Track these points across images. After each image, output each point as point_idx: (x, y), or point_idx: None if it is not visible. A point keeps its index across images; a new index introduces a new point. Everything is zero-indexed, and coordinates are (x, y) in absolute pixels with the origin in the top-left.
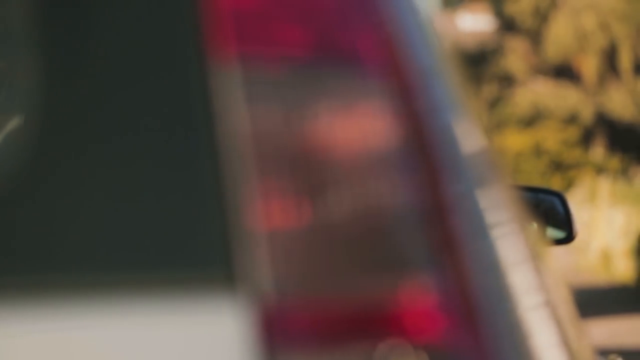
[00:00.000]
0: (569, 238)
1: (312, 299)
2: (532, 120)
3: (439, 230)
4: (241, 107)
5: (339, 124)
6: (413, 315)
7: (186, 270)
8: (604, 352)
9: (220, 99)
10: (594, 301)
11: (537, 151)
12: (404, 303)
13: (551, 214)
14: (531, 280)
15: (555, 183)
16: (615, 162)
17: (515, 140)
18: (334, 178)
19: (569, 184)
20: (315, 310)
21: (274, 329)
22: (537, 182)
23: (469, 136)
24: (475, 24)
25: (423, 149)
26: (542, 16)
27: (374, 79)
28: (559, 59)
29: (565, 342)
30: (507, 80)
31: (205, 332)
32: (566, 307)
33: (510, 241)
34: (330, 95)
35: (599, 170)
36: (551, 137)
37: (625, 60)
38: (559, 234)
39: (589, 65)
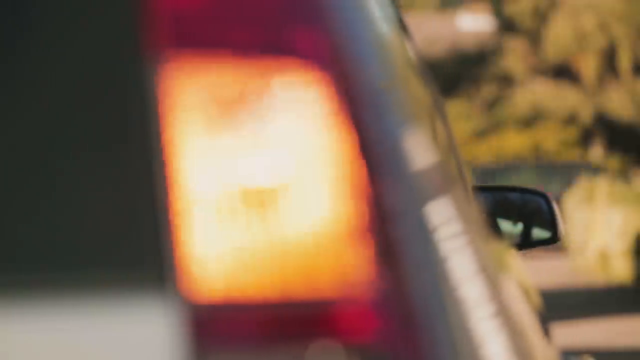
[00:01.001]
0: (554, 238)
1: (243, 300)
2: (531, 120)
3: (378, 235)
4: (177, 108)
5: (279, 125)
6: (346, 316)
7: (117, 271)
8: (577, 353)
9: (157, 100)
10: (592, 302)
11: (536, 151)
12: (337, 305)
13: (537, 214)
14: (480, 291)
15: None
16: (614, 162)
17: (515, 141)
18: (270, 181)
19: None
20: (247, 311)
21: (204, 329)
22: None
23: (417, 147)
24: (474, 24)
25: (365, 153)
26: (542, 16)
27: (317, 81)
28: (558, 59)
29: (520, 352)
30: (507, 81)
31: (134, 332)
32: (527, 317)
33: (459, 252)
34: (271, 97)
35: (596, 170)
36: (550, 138)
37: (624, 61)
38: (545, 235)
39: (589, 66)
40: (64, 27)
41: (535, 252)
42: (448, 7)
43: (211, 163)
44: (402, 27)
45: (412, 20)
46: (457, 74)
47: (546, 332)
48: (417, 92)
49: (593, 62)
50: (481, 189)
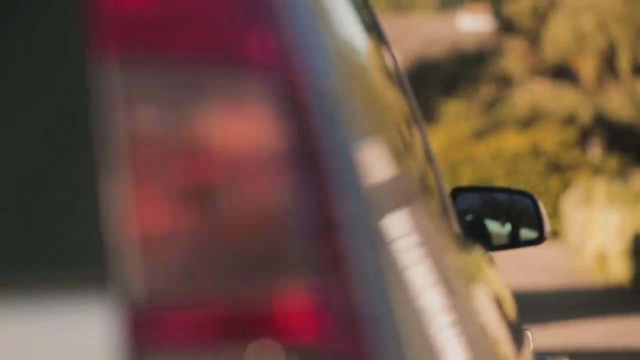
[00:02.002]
0: (540, 238)
1: (184, 300)
2: (530, 121)
3: (323, 238)
4: (122, 109)
5: (224, 126)
6: (286, 317)
7: (58, 270)
8: (554, 354)
9: (101, 101)
10: (589, 302)
11: (535, 152)
12: (279, 305)
13: (525, 215)
14: (438, 300)
15: (553, 184)
16: (612, 163)
17: (513, 141)
18: (215, 181)
19: (567, 185)
20: (188, 311)
21: (143, 329)
22: (534, 183)
23: (372, 157)
24: (474, 24)
25: (311, 156)
26: (541, 17)
27: (262, 82)
28: (557, 60)
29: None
30: (505, 81)
31: (75, 331)
32: (495, 325)
33: (414, 262)
34: (216, 98)
35: (596, 171)
36: (549, 138)
37: (623, 61)
38: (533, 235)
39: (588, 66)
40: (8, 27)
41: (534, 252)
42: (448, 8)
43: (154, 162)
44: (377, 35)
45: (412, 20)
46: (456, 74)
47: (519, 339)
48: (387, 100)
49: (592, 62)
50: (469, 190)
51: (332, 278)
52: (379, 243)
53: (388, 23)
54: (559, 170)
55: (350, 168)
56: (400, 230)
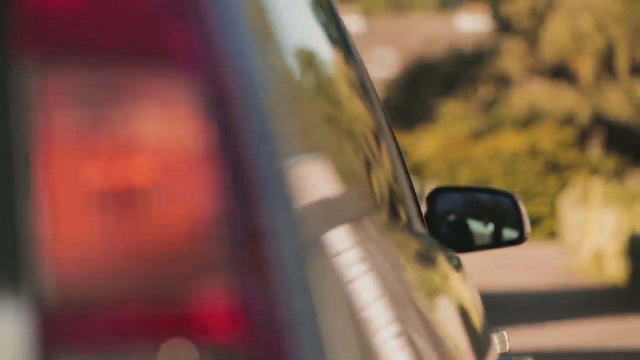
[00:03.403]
0: (521, 239)
1: (97, 302)
2: (528, 121)
3: (244, 242)
4: (41, 110)
5: (146, 127)
6: (204, 318)
7: None
8: (519, 355)
9: (20, 101)
10: (585, 302)
11: (534, 152)
12: (196, 306)
13: (508, 215)
14: (380, 312)
15: (551, 184)
16: (611, 163)
17: (512, 141)
18: (135, 183)
19: (565, 185)
20: (102, 312)
21: (55, 331)
22: (533, 183)
23: (310, 166)
24: (473, 24)
25: (234, 156)
26: (539, 17)
27: (186, 82)
28: (555, 60)
29: None
30: (504, 81)
31: None
32: (447, 336)
33: (353, 275)
34: (138, 98)
35: (594, 171)
36: (547, 138)
37: (622, 62)
38: (515, 235)
39: (586, 67)
40: None
41: (533, 252)
42: (447, 8)
43: (71, 163)
44: (341, 45)
45: (411, 20)
46: (454, 74)
47: (484, 345)
48: (343, 111)
49: (590, 62)
50: (450, 190)
51: (253, 282)
52: (305, 252)
53: (387, 23)
54: (558, 170)
55: (278, 174)
56: (335, 241)
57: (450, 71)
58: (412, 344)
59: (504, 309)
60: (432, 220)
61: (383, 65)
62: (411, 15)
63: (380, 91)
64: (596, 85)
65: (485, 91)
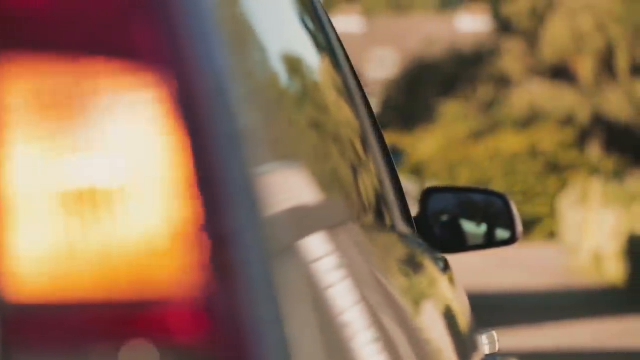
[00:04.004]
0: (512, 239)
1: (62, 300)
2: (528, 121)
3: (209, 245)
4: (5, 110)
5: (112, 127)
6: (166, 319)
7: None
8: (503, 355)
9: None
10: (584, 303)
11: (533, 152)
12: (155, 308)
13: (501, 215)
14: (353, 317)
15: (551, 184)
16: (610, 163)
17: (511, 141)
18: (99, 183)
19: (565, 186)
20: (66, 312)
21: (15, 332)
22: (532, 183)
23: (274, 168)
24: (473, 24)
25: (202, 159)
26: (539, 17)
27: (153, 82)
28: (555, 60)
29: None
30: (504, 81)
31: None
32: (429, 341)
33: (316, 279)
34: (105, 99)
35: (593, 171)
36: (547, 139)
37: (621, 62)
38: (507, 235)
39: (586, 67)
40: None
41: (532, 252)
42: (447, 8)
43: (39, 164)
44: (325, 46)
45: (412, 20)
46: (454, 74)
47: (469, 348)
48: (326, 117)
49: (590, 63)
50: (443, 190)
51: (217, 284)
52: (274, 257)
53: (387, 23)
54: (557, 170)
55: (246, 178)
56: (308, 247)
57: (450, 71)
58: (389, 349)
59: (503, 308)
60: (424, 221)
61: (383, 65)
62: (411, 15)
63: (380, 91)
64: (596, 86)
65: (485, 91)
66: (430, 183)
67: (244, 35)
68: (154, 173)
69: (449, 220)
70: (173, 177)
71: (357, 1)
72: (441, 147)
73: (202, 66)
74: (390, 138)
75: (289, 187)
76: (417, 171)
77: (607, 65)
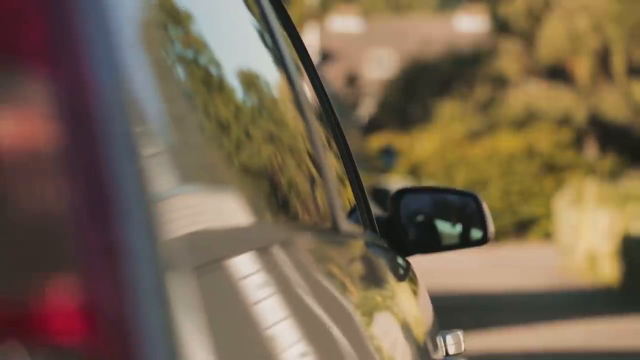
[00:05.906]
0: (484, 239)
1: None
2: (525, 121)
3: (91, 246)
4: None
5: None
6: (46, 318)
7: None
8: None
9: None
10: (578, 303)
11: (530, 153)
12: (34, 307)
13: (475, 215)
14: (243, 325)
15: (547, 185)
16: (606, 163)
17: (508, 142)
18: None
19: (562, 186)
20: None
21: None
22: (529, 183)
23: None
24: (471, 25)
25: (88, 161)
26: (536, 17)
27: (40, 81)
28: (552, 61)
29: None
30: (500, 82)
31: None
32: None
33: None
34: None
35: (591, 171)
36: (544, 139)
37: (618, 62)
38: (479, 235)
39: (582, 67)
40: None
41: (530, 252)
42: (445, 9)
43: None
44: (266, 48)
45: (410, 21)
46: (452, 74)
47: (425, 354)
48: (262, 126)
49: (587, 63)
50: (416, 191)
51: (100, 286)
52: (167, 268)
53: (386, 23)
54: (554, 171)
55: (139, 186)
56: (227, 265)
57: (447, 71)
58: None
59: (498, 308)
60: (397, 222)
61: (381, 66)
62: (409, 16)
63: (378, 91)
64: (592, 86)
65: (482, 91)
66: (426, 183)
67: (160, 40)
68: (36, 173)
69: (423, 221)
70: (56, 177)
71: (355, 1)
72: (438, 147)
73: (98, 68)
74: (388, 138)
75: (210, 204)
76: (414, 171)
77: (603, 65)
